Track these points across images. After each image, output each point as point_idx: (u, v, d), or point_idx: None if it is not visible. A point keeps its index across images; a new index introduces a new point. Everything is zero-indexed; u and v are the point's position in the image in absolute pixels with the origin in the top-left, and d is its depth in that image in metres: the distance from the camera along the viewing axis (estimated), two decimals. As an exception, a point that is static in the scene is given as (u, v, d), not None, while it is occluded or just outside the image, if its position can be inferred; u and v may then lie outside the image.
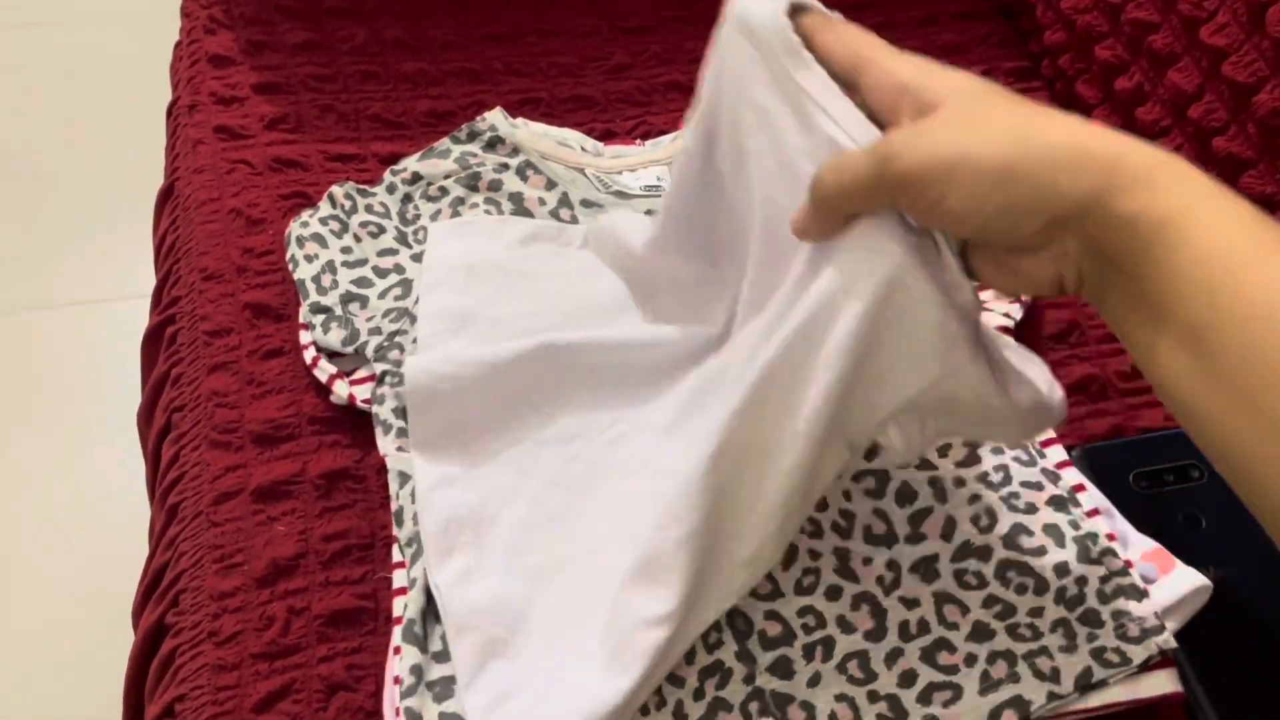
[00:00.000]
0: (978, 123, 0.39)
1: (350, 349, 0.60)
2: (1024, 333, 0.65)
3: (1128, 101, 0.69)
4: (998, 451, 0.56)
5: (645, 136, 0.73)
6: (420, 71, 0.77)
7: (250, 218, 0.69)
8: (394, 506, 0.55)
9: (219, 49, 0.79)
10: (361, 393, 0.60)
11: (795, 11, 0.46)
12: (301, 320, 0.62)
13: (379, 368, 0.59)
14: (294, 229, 0.65)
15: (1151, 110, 0.66)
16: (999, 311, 0.64)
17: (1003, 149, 0.38)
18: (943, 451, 0.56)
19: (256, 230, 0.69)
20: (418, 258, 0.64)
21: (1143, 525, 0.55)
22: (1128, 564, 0.53)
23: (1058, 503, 0.54)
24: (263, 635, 0.54)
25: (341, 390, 0.60)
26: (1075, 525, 0.53)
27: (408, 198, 0.67)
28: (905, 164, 0.40)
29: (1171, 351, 0.36)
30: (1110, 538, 0.53)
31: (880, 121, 0.43)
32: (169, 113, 0.81)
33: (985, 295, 0.65)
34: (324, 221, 0.65)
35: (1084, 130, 0.39)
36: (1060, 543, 0.53)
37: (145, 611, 0.59)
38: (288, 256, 0.64)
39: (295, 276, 0.63)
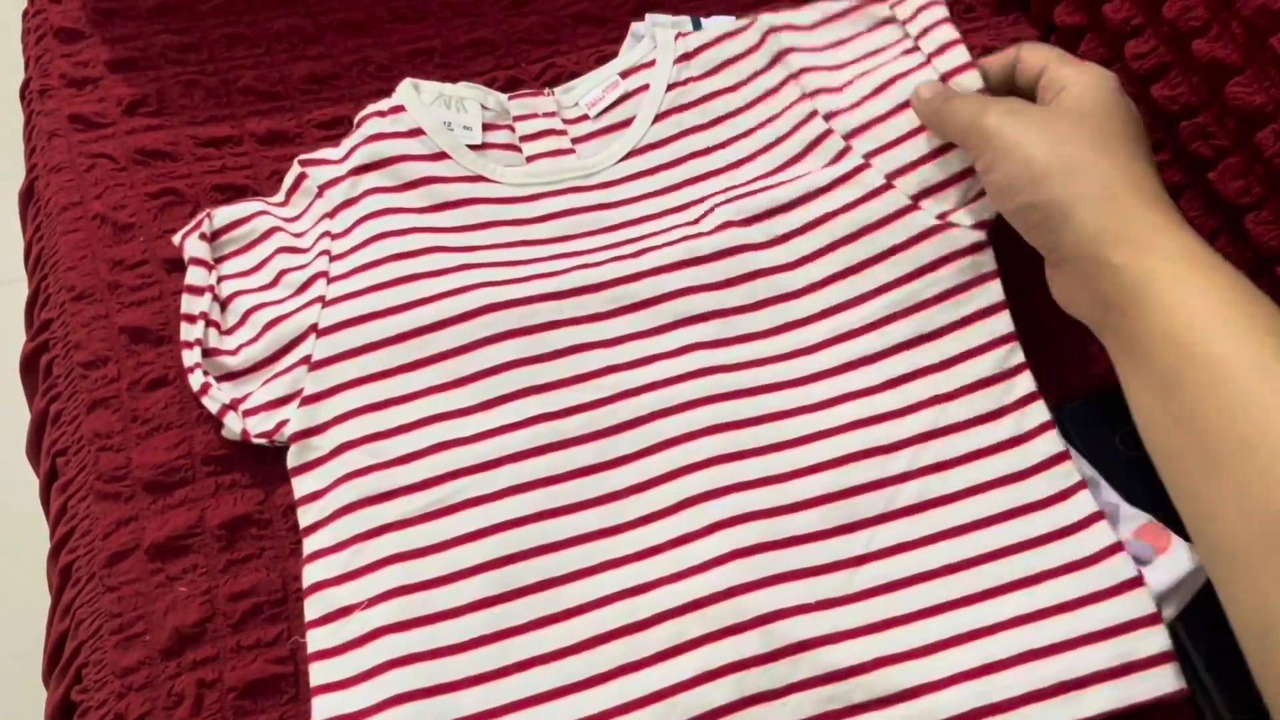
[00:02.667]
0: (1059, 131, 0.46)
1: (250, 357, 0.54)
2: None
3: (1094, -4, 0.61)
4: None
5: (554, 82, 0.65)
6: (294, 28, 0.68)
7: (117, 223, 0.61)
8: None
9: (65, 20, 0.69)
10: (255, 425, 0.53)
11: None
12: (184, 339, 0.55)
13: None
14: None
15: (1121, 8, 0.58)
16: None
17: (1052, 160, 0.45)
18: None
19: (125, 238, 0.61)
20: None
21: (1133, 492, 0.50)
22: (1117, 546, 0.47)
23: None
24: (173, 715, 0.49)
25: (234, 424, 0.53)
26: None
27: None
28: (989, 123, 0.47)
29: (1146, 394, 0.42)
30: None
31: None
32: (22, 95, 0.72)
33: None
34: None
35: (1123, 180, 0.44)
36: None
37: (51, 685, 0.54)
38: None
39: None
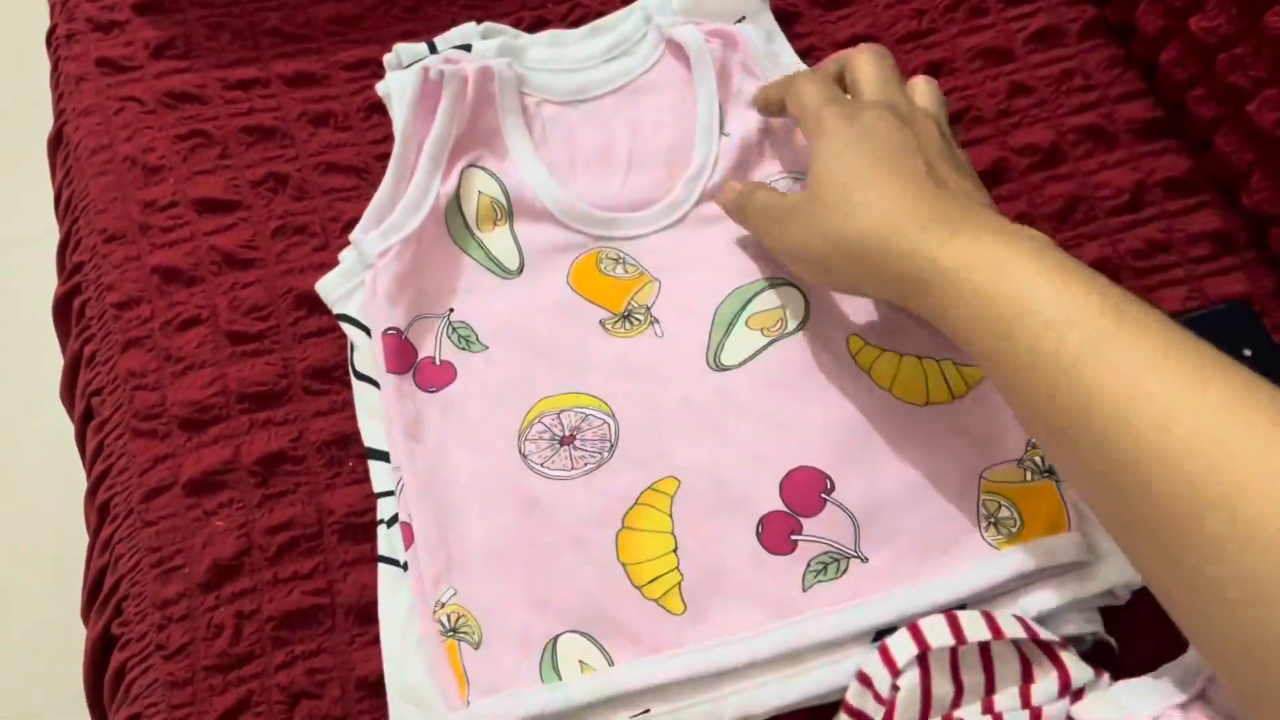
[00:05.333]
0: (813, 221, 0.46)
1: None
2: (1022, 211, 0.58)
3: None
4: None
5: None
6: (319, -30, 0.68)
7: (146, 165, 0.61)
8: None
9: (89, -37, 0.69)
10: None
11: None
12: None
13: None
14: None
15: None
16: None
17: (820, 250, 0.45)
18: None
19: (155, 180, 0.61)
20: None
21: None
22: None
23: None
24: (213, 645, 0.50)
25: None
26: None
27: None
28: (752, 223, 0.53)
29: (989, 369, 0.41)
30: None
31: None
32: (48, 42, 0.72)
33: None
34: None
35: (891, 223, 0.42)
36: None
37: (90, 619, 0.55)
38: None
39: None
